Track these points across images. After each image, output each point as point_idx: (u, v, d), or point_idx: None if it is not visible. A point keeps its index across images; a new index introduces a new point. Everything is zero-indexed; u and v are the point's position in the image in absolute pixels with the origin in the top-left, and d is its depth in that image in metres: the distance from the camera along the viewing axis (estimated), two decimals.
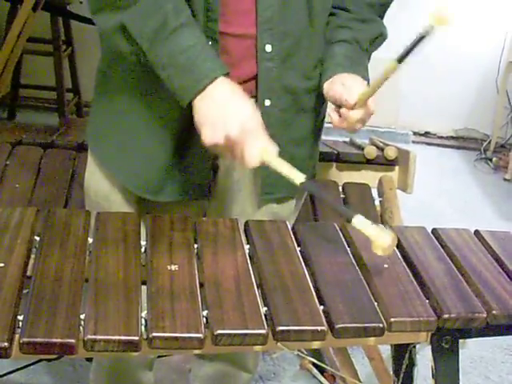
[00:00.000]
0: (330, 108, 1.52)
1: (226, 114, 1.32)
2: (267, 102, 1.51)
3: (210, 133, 1.33)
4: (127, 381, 1.85)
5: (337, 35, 1.56)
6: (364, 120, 1.47)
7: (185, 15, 1.37)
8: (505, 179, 4.78)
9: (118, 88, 1.54)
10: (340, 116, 1.48)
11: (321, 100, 1.58)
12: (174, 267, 1.31)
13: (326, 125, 1.69)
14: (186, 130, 1.49)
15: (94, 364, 1.89)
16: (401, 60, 1.31)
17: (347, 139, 2.68)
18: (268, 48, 1.47)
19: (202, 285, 1.29)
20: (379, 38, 1.61)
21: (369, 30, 1.58)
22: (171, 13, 1.34)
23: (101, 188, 1.62)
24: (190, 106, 1.37)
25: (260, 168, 1.56)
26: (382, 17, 1.62)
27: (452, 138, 5.36)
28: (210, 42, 1.43)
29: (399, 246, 1.51)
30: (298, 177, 1.36)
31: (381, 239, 1.32)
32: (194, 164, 1.53)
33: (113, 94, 1.55)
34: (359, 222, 1.35)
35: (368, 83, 1.53)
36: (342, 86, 1.47)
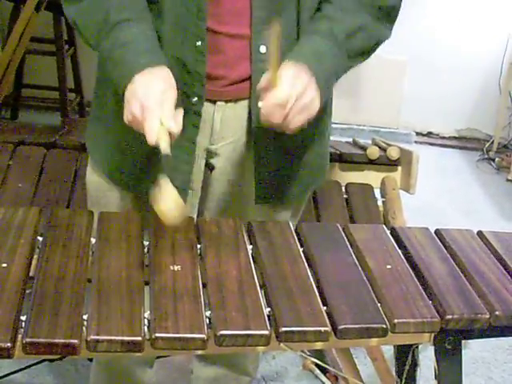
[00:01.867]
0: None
1: (133, 93, 1.33)
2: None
3: (124, 111, 1.34)
4: (128, 379, 1.85)
5: (313, 26, 1.46)
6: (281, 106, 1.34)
7: (129, 10, 1.38)
8: (507, 179, 4.77)
9: (106, 85, 1.55)
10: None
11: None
12: (176, 267, 1.31)
13: None
14: None
15: (94, 363, 1.89)
16: None
17: (350, 139, 2.68)
18: (262, 49, 1.46)
19: (204, 285, 1.29)
20: (361, 32, 1.46)
21: (347, 19, 1.46)
22: (113, 8, 1.37)
23: (99, 185, 1.65)
24: None
25: (257, 173, 1.56)
26: (389, 21, 1.52)
27: (454, 138, 5.35)
28: (200, 42, 1.43)
29: (402, 246, 1.51)
30: (165, 150, 1.30)
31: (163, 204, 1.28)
32: (174, 166, 1.50)
33: (103, 90, 1.57)
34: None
35: (325, 82, 1.41)
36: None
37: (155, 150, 1.48)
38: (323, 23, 1.45)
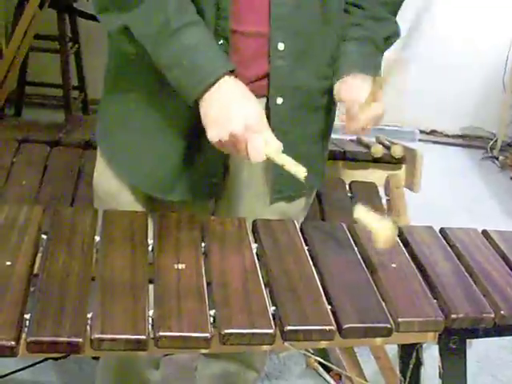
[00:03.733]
0: (340, 111, 1.52)
1: (230, 111, 1.32)
2: (279, 100, 1.50)
3: (216, 131, 1.33)
4: (134, 379, 1.85)
5: (350, 33, 1.55)
6: (374, 120, 1.45)
7: (188, 14, 1.36)
8: (511, 178, 4.77)
9: (127, 87, 1.53)
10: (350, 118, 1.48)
11: (333, 99, 1.57)
12: (181, 266, 1.31)
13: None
14: (196, 129, 1.48)
15: (100, 362, 1.89)
16: None
17: (354, 138, 2.68)
18: (281, 46, 1.46)
19: (209, 284, 1.29)
20: (393, 37, 1.60)
21: (382, 28, 1.57)
22: (173, 13, 1.34)
23: (110, 187, 1.62)
24: (195, 105, 1.38)
25: (270, 167, 1.56)
26: (395, 15, 1.61)
27: (458, 136, 5.35)
28: (222, 41, 1.42)
29: (407, 245, 1.50)
30: (301, 171, 1.35)
31: (381, 232, 1.32)
32: (206, 163, 1.53)
33: (122, 93, 1.55)
34: (360, 211, 1.36)
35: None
36: (354, 86, 1.47)
37: (190, 153, 1.50)
38: (360, 31, 1.56)
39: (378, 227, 1.33)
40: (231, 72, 1.36)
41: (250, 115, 1.33)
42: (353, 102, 1.45)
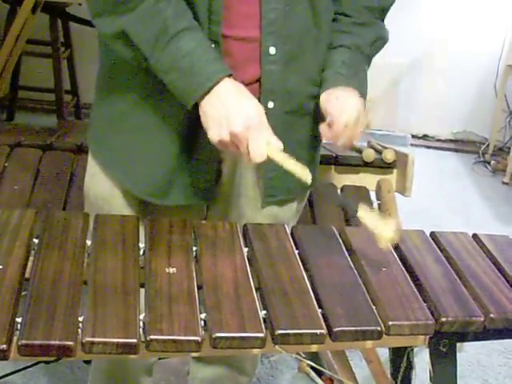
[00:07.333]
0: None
1: (230, 111, 1.34)
2: (270, 104, 1.51)
3: (216, 130, 1.35)
4: None
5: (337, 40, 1.56)
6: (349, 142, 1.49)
7: (185, 19, 1.37)
8: (503, 182, 4.78)
9: (120, 91, 1.53)
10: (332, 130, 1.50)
11: None
12: (172, 270, 1.31)
13: None
14: (190, 133, 1.49)
15: (92, 367, 1.88)
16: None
17: None
18: (272, 50, 1.47)
19: (200, 288, 1.29)
20: (379, 41, 1.60)
21: (368, 33, 1.58)
22: (171, 18, 1.35)
23: (101, 191, 1.61)
24: (194, 109, 1.39)
25: (263, 170, 1.57)
26: (382, 20, 1.62)
27: (450, 141, 5.36)
28: (213, 45, 1.43)
29: (397, 249, 1.51)
30: (302, 171, 1.36)
31: (383, 231, 1.34)
32: (199, 167, 1.53)
33: (115, 97, 1.55)
34: (363, 212, 1.37)
35: (365, 94, 1.55)
36: (336, 101, 1.48)
37: (183, 157, 1.51)
38: (346, 38, 1.56)
39: (380, 227, 1.35)
40: (229, 76, 1.37)
41: (250, 114, 1.34)
42: (336, 117, 1.46)
